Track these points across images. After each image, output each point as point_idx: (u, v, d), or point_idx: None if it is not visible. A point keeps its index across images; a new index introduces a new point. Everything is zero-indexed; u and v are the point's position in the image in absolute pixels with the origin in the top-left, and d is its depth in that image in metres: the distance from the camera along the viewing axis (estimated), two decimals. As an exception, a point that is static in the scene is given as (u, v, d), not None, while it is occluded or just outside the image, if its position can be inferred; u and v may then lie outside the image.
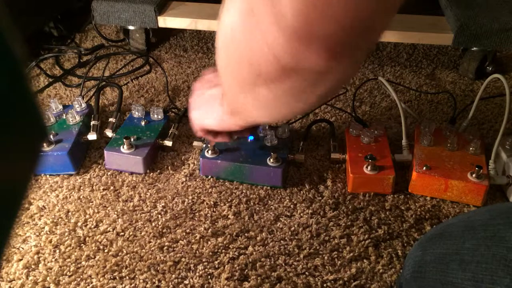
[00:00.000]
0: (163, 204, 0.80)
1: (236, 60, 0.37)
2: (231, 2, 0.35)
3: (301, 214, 0.78)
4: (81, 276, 0.68)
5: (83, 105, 0.94)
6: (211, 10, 1.13)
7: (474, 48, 1.07)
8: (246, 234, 0.75)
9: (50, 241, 0.73)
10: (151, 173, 0.86)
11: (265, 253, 0.72)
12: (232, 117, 0.52)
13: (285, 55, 0.32)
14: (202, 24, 1.11)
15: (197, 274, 0.69)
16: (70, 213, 0.78)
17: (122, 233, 0.75)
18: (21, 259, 0.71)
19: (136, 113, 0.93)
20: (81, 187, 0.83)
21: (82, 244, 0.73)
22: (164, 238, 0.74)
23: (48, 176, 0.85)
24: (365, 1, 0.30)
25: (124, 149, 0.85)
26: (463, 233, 0.50)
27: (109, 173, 0.86)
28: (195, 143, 0.90)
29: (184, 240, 0.73)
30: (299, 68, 0.33)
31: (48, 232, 0.75)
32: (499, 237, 0.45)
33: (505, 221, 0.46)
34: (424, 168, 0.79)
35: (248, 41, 0.34)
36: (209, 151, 0.84)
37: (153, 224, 0.76)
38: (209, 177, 0.85)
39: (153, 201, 0.80)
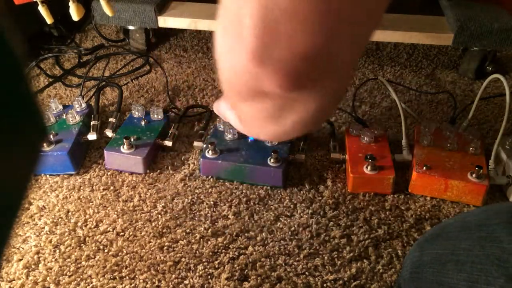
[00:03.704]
0: (163, 204, 0.80)
1: (222, 76, 0.38)
2: (218, 17, 0.35)
3: (301, 214, 0.78)
4: (81, 276, 0.68)
5: (83, 105, 0.94)
6: (211, 10, 1.13)
7: (474, 48, 1.07)
8: (246, 234, 0.75)
9: (50, 241, 0.73)
10: (151, 173, 0.86)
11: (265, 253, 0.72)
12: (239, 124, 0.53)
13: (247, 76, 0.33)
14: (202, 24, 1.11)
15: (197, 274, 0.69)
16: (70, 213, 0.78)
17: (122, 233, 0.75)
18: (21, 259, 0.71)
19: (136, 113, 0.93)
20: (81, 187, 0.83)
21: (82, 244, 0.73)
22: (164, 238, 0.74)
23: (48, 176, 0.85)
24: (323, 30, 0.29)
25: (124, 149, 0.85)
26: (459, 234, 0.50)
27: (109, 173, 0.86)
28: (195, 143, 0.90)
29: (184, 240, 0.73)
30: (263, 90, 0.34)
31: (48, 232, 0.75)
32: (493, 237, 0.45)
33: (500, 221, 0.46)
34: (424, 168, 0.79)
35: (225, 59, 0.35)
36: (210, 152, 0.84)
37: (153, 224, 0.76)
38: (209, 177, 0.85)
39: (153, 201, 0.80)
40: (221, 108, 0.69)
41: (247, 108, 0.39)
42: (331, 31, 0.30)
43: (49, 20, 0.95)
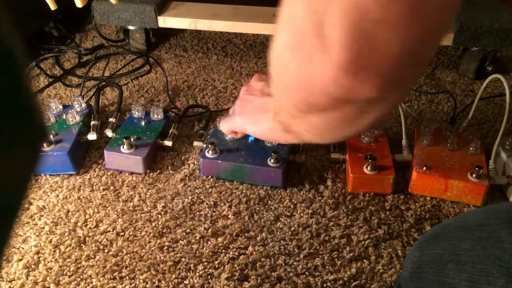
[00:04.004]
0: (163, 204, 0.80)
1: (290, 90, 0.38)
2: (281, 32, 0.35)
3: (301, 214, 0.78)
4: (81, 276, 0.68)
5: (83, 105, 0.94)
6: (211, 10, 1.13)
7: (474, 48, 1.07)
8: (246, 234, 0.75)
9: (50, 241, 0.73)
10: (151, 173, 0.86)
11: (265, 253, 0.72)
12: (284, 134, 0.52)
13: (336, 88, 0.33)
14: (202, 24, 1.11)
15: (197, 274, 0.69)
16: (70, 213, 0.78)
17: (122, 233, 0.75)
18: (21, 259, 0.71)
19: (136, 113, 0.93)
20: (81, 187, 0.83)
21: (82, 244, 0.73)
22: (164, 238, 0.74)
23: (48, 176, 0.85)
24: (412, 31, 0.30)
25: (124, 149, 0.85)
26: (459, 234, 0.50)
27: (109, 173, 0.86)
28: (195, 143, 0.90)
29: (184, 240, 0.73)
30: (351, 99, 0.34)
31: (48, 232, 0.75)
32: (494, 237, 0.45)
33: (500, 221, 0.46)
34: (424, 168, 0.79)
35: (300, 74, 0.35)
36: (210, 152, 0.84)
37: (153, 224, 0.76)
38: (209, 177, 0.85)
39: (153, 201, 0.80)
40: (236, 125, 0.69)
41: (318, 119, 0.39)
42: (423, 31, 0.30)
43: (52, 6, 0.95)
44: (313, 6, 0.31)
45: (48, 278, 0.68)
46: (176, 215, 0.78)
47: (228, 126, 0.73)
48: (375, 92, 0.33)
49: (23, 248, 0.73)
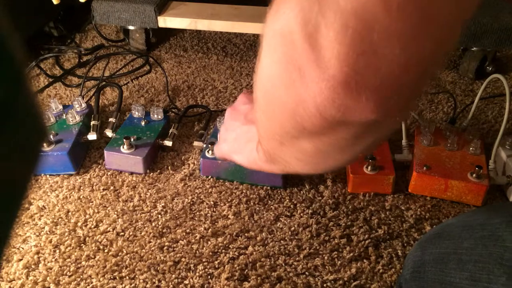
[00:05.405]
0: (163, 204, 0.80)
1: (277, 112, 0.33)
2: (266, 49, 0.31)
3: (301, 214, 0.78)
4: (81, 276, 0.68)
5: (83, 105, 0.94)
6: (211, 10, 1.13)
7: (474, 48, 1.07)
8: (246, 234, 0.75)
9: (50, 241, 0.73)
10: (151, 173, 0.86)
11: (265, 253, 0.72)
12: (268, 164, 0.48)
13: (331, 108, 0.29)
14: (202, 24, 1.11)
15: (197, 274, 0.69)
16: (70, 213, 0.78)
17: (122, 233, 0.75)
18: (21, 259, 0.71)
19: (136, 113, 0.93)
20: (81, 187, 0.83)
21: (82, 244, 0.73)
22: (164, 238, 0.74)
23: (48, 176, 0.85)
24: (424, 44, 0.26)
25: (124, 149, 0.85)
26: (461, 233, 0.50)
27: (109, 173, 0.86)
28: (195, 143, 0.90)
29: (184, 240, 0.73)
30: (347, 121, 0.30)
31: (48, 232, 0.75)
32: (496, 236, 0.45)
33: (502, 220, 0.47)
34: (424, 168, 0.79)
35: (290, 93, 0.30)
36: (210, 151, 0.84)
37: (153, 224, 0.76)
38: (209, 177, 0.85)
39: (153, 201, 0.80)
40: (224, 153, 0.63)
41: (308, 144, 0.34)
42: (435, 44, 0.26)
43: (55, 0, 0.95)
44: (305, 14, 0.27)
45: (48, 278, 0.68)
46: (176, 215, 0.78)
47: (217, 153, 0.69)
48: (376, 114, 0.29)
49: (23, 248, 0.73)
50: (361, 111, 0.28)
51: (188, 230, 0.75)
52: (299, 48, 0.27)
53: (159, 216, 0.78)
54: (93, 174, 0.86)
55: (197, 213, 0.78)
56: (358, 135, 0.32)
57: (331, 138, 0.32)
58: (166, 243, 0.73)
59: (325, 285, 0.67)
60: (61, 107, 0.94)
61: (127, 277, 0.68)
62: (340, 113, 0.29)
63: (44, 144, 0.83)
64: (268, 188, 0.83)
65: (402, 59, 0.26)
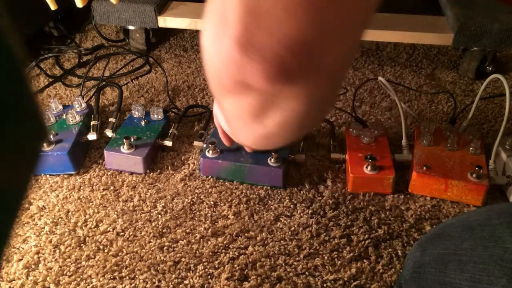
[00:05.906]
0: (163, 204, 0.80)
1: (207, 67, 0.36)
2: (206, 19, 0.34)
3: (301, 214, 0.78)
4: (81, 276, 0.68)
5: (83, 105, 0.94)
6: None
7: (474, 48, 1.07)
8: (246, 234, 0.75)
9: (50, 241, 0.73)
10: (151, 173, 0.86)
11: (265, 253, 0.72)
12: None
13: (232, 66, 0.31)
14: (202, 24, 1.11)
15: (197, 274, 0.69)
16: (70, 213, 0.78)
17: (122, 233, 0.75)
18: (21, 259, 0.71)
19: (136, 113, 0.93)
20: (81, 187, 0.83)
21: (82, 244, 0.73)
22: (164, 238, 0.74)
23: (48, 176, 0.85)
24: (306, 22, 0.27)
25: (124, 149, 0.85)
26: (461, 234, 0.50)
27: (109, 173, 0.86)
28: (195, 143, 0.90)
29: (184, 240, 0.73)
30: (248, 83, 0.32)
31: (48, 232, 0.75)
32: (496, 237, 0.45)
33: (502, 221, 0.46)
34: (424, 168, 0.79)
35: (210, 48, 0.33)
36: (210, 151, 0.84)
37: (153, 224, 0.76)
38: (209, 177, 0.85)
39: (153, 201, 0.80)
40: (214, 109, 0.67)
41: (230, 106, 0.37)
42: (319, 23, 0.28)
43: (52, 6, 0.95)
44: None
45: (48, 278, 0.68)
46: (176, 215, 0.78)
47: (223, 126, 0.71)
48: (267, 78, 0.30)
49: (23, 248, 0.73)
50: (254, 71, 0.29)
51: (188, 230, 0.75)
52: (218, 8, 0.30)
53: (159, 216, 0.78)
54: (93, 174, 0.86)
55: (197, 213, 0.78)
56: (265, 104, 0.34)
57: (243, 101, 0.34)
58: (166, 243, 0.73)
59: (325, 285, 0.67)
60: (61, 107, 0.94)
61: (127, 277, 0.68)
62: (240, 73, 0.30)
63: (44, 144, 0.83)
64: (268, 188, 0.83)
65: (287, 23, 0.27)
